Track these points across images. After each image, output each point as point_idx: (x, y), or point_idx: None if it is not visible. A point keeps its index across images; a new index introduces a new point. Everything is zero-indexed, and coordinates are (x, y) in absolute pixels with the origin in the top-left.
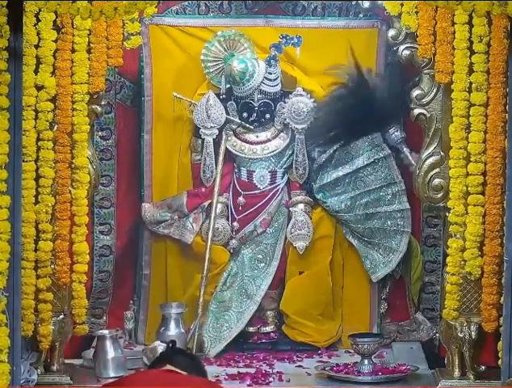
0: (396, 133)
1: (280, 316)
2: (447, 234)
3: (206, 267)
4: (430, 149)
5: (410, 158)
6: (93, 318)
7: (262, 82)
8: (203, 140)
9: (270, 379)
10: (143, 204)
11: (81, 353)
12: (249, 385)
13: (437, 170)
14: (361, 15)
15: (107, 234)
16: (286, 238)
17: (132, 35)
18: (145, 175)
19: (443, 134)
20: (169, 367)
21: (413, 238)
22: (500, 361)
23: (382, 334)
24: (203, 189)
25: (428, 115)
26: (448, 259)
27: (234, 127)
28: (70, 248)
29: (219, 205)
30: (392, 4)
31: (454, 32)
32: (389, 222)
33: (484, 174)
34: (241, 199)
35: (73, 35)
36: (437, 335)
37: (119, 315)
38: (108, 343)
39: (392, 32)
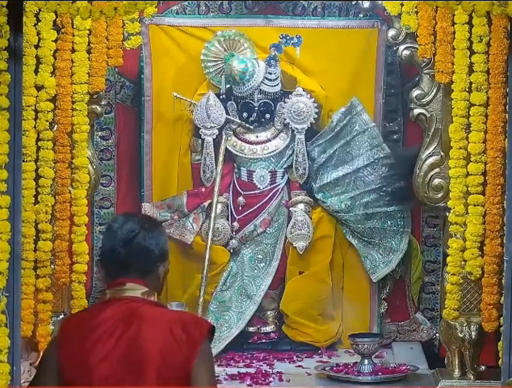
0: None
1: (280, 316)
2: (447, 234)
3: (206, 267)
4: (430, 149)
5: None
6: None
7: (262, 82)
8: (203, 140)
9: (270, 379)
10: (143, 204)
11: None
12: (249, 385)
13: (437, 170)
14: (361, 15)
15: None
16: (286, 238)
17: (132, 35)
18: (145, 175)
19: (443, 134)
20: (129, 286)
21: (413, 238)
22: (500, 361)
23: (382, 334)
24: (203, 189)
25: (428, 116)
26: (448, 259)
27: (234, 127)
28: (70, 248)
29: (219, 205)
30: (392, 4)
31: (454, 32)
32: (389, 222)
33: (484, 174)
34: (241, 199)
35: (73, 35)
36: (437, 335)
37: None
38: None
39: (392, 32)
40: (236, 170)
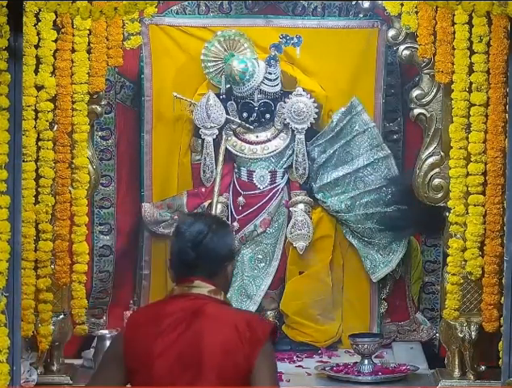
0: None
1: (280, 316)
2: (447, 234)
3: None
4: (430, 149)
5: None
6: (93, 318)
7: (262, 82)
8: (203, 140)
9: None
10: (143, 204)
11: (81, 353)
12: None
13: (437, 170)
14: (361, 15)
15: (106, 234)
16: (286, 238)
17: (132, 35)
18: (145, 175)
19: (443, 134)
20: (197, 284)
21: (413, 238)
22: (500, 361)
23: (382, 334)
24: (203, 189)
25: (428, 116)
26: (449, 259)
27: (234, 127)
28: (70, 248)
29: (219, 205)
30: (392, 4)
31: (454, 32)
32: None
33: (484, 174)
34: (240, 199)
35: (73, 35)
36: (437, 335)
37: (119, 315)
38: (108, 343)
39: (392, 32)
40: (236, 170)
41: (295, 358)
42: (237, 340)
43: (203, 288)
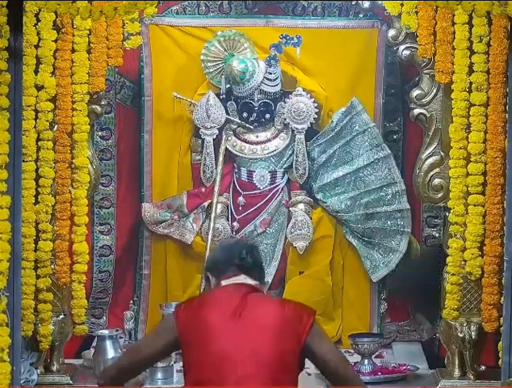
0: None
1: None
2: (447, 234)
3: None
4: (430, 149)
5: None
6: (93, 318)
7: (262, 82)
8: (203, 140)
9: None
10: (143, 204)
11: (81, 353)
12: None
13: (437, 170)
14: (361, 15)
15: (106, 234)
16: (286, 238)
17: (132, 35)
18: (145, 175)
19: (443, 134)
20: (243, 277)
21: (413, 238)
22: (500, 361)
23: (382, 334)
24: (203, 189)
25: (428, 115)
26: (448, 259)
27: (234, 127)
28: (70, 248)
29: (219, 205)
30: (392, 4)
31: (454, 32)
32: (389, 222)
33: (484, 174)
34: (241, 199)
35: (73, 35)
36: (437, 335)
37: (119, 315)
38: (108, 343)
39: (392, 32)
40: (236, 170)
41: None
42: (286, 318)
43: (249, 281)
